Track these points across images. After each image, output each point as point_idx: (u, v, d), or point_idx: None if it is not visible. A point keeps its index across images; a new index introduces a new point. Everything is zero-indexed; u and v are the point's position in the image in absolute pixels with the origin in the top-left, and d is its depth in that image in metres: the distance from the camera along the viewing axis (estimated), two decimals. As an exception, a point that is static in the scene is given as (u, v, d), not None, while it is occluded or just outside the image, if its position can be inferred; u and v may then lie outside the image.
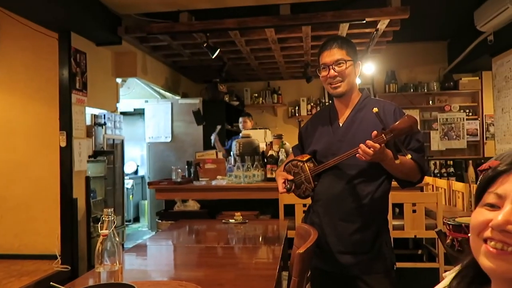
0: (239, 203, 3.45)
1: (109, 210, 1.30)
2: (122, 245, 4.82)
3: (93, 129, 4.22)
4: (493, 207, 0.67)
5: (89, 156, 4.17)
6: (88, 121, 4.20)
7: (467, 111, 6.34)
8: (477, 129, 6.27)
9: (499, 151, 4.83)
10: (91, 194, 4.12)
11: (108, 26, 4.10)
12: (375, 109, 1.41)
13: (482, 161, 5.78)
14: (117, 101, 4.84)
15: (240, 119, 5.08)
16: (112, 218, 1.29)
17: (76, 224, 3.86)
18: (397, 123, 1.39)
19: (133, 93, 5.92)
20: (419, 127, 6.21)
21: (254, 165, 3.59)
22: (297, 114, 6.77)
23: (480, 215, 0.69)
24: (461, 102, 6.40)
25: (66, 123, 3.78)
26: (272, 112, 6.98)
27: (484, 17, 4.49)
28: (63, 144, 3.75)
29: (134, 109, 6.29)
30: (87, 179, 4.03)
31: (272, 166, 3.62)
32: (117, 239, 1.30)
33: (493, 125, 5.38)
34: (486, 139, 6.22)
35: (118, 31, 4.19)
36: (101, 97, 4.45)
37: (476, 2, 4.54)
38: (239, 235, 2.45)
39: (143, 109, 5.83)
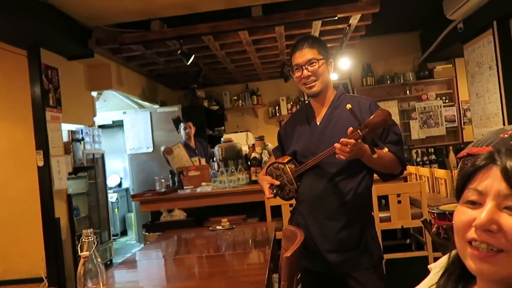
0: (226, 208, 3.43)
1: (89, 230, 1.26)
2: (111, 260, 4.73)
3: (71, 145, 4.13)
4: (475, 204, 0.66)
5: (69, 173, 4.08)
6: (65, 138, 4.11)
7: (444, 98, 6.46)
8: (454, 115, 6.39)
9: (477, 135, 4.93)
10: (74, 212, 4.03)
11: (79, 40, 4.02)
12: (348, 106, 1.41)
13: (462, 146, 5.90)
14: (94, 115, 4.76)
15: (183, 126, 4.73)
16: (92, 239, 1.25)
17: (61, 244, 3.77)
18: (371, 117, 1.40)
19: (110, 105, 5.83)
20: (398, 118, 6.28)
21: (238, 169, 3.57)
22: (277, 114, 6.78)
23: (463, 214, 0.67)
24: (437, 90, 6.51)
25: (42, 142, 3.68)
26: (253, 113, 6.98)
27: (452, 5, 4.58)
28: (41, 163, 3.65)
29: (113, 121, 6.19)
30: (69, 197, 3.94)
31: (256, 168, 3.60)
32: (99, 259, 1.26)
33: (470, 110, 5.49)
34: (464, 124, 6.35)
35: (89, 44, 4.12)
36: (77, 112, 4.36)
37: (444, -9, 4.63)
38: (227, 241, 2.42)
39: (122, 121, 5.74)
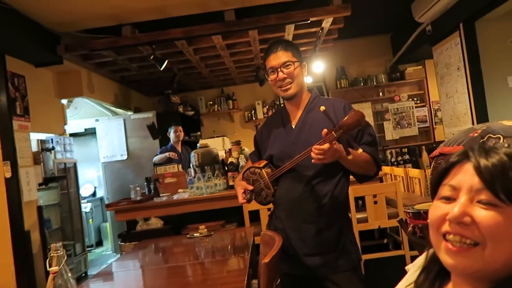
0: (204, 215, 3.38)
1: (57, 244, 1.20)
2: (86, 273, 4.59)
3: (41, 155, 3.99)
4: (449, 199, 0.67)
5: (40, 184, 3.94)
6: (35, 147, 3.96)
7: (415, 99, 6.61)
8: (426, 116, 6.55)
9: (448, 135, 5.07)
10: (46, 224, 3.89)
11: (47, 46, 3.90)
12: (322, 108, 1.41)
13: (434, 145, 6.05)
14: (65, 123, 4.61)
15: (173, 129, 4.79)
16: (62, 253, 1.19)
17: (31, 258, 3.62)
18: (345, 118, 1.40)
19: (82, 112, 5.68)
20: (372, 119, 6.38)
21: (215, 174, 3.53)
22: (254, 118, 6.78)
23: (437, 209, 0.69)
24: (409, 91, 6.67)
25: (9, 152, 3.54)
26: (229, 118, 6.95)
27: (420, 8, 4.70)
28: (8, 174, 3.50)
29: (85, 129, 6.02)
30: (39, 208, 3.79)
31: (233, 173, 3.57)
32: (70, 274, 1.20)
33: (440, 110, 5.64)
34: (435, 124, 6.52)
35: (57, 50, 4.00)
36: (46, 121, 4.22)
37: (412, -5, 4.74)
38: (205, 249, 2.38)
39: (95, 128, 5.60)
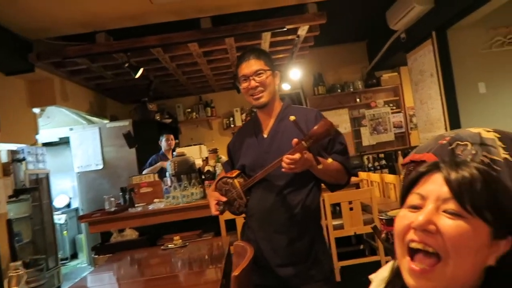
0: (181, 224, 3.34)
1: (17, 263, 1.16)
2: (59, 287, 4.44)
3: (11, 166, 3.85)
4: (416, 208, 0.67)
5: (10, 196, 3.80)
6: (5, 158, 3.83)
7: (391, 105, 6.73)
8: (401, 121, 6.67)
9: (423, 140, 5.16)
10: (16, 238, 3.75)
11: (18, 53, 3.80)
12: (292, 117, 1.41)
13: (409, 150, 6.14)
14: (36, 133, 4.48)
15: (165, 137, 4.87)
16: (22, 272, 1.14)
17: (0, 274, 3.48)
18: (314, 128, 1.40)
19: (56, 121, 5.53)
20: (349, 125, 6.43)
21: (192, 183, 3.49)
22: (232, 125, 6.75)
23: (404, 218, 0.68)
24: (385, 98, 6.78)
25: (-24, 164, 3.41)
26: (207, 125, 6.90)
27: (395, 16, 4.79)
28: (-25, 187, 3.37)
29: (59, 139, 5.87)
30: (9, 222, 3.66)
31: (210, 182, 3.54)
32: (29, 294, 1.15)
33: (415, 116, 5.75)
34: (410, 130, 6.64)
35: (29, 58, 3.89)
36: (17, 131, 4.09)
37: (387, 3, 4.84)
38: (181, 260, 2.34)
39: (69, 138, 5.46)
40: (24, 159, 4.05)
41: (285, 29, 3.93)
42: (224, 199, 1.68)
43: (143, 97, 5.60)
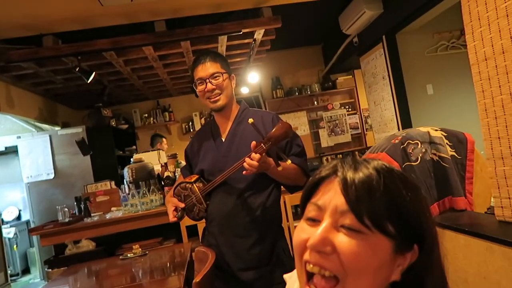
0: (141, 233, 3.25)
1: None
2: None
3: (-49, 179, 3.58)
4: (314, 221, 0.59)
5: (-50, 211, 3.53)
6: None
7: (347, 107, 6.93)
8: (357, 123, 6.88)
9: (378, 140, 5.36)
10: (-42, 255, 3.48)
11: (-45, 58, 3.54)
12: (251, 120, 1.41)
13: (365, 150, 6.36)
14: (-20, 142, 4.20)
15: (157, 141, 5.25)
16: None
17: None
18: (273, 130, 1.41)
19: (2, 129, 5.22)
20: (308, 128, 6.54)
21: (151, 190, 3.41)
22: (191, 130, 6.67)
23: (301, 232, 0.60)
24: (341, 100, 6.97)
25: None
26: (166, 130, 6.77)
27: (347, 21, 4.95)
28: None
29: (6, 148, 5.54)
30: (-50, 238, 3.39)
31: (170, 188, 3.47)
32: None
33: (370, 117, 5.95)
34: (366, 131, 6.87)
35: (-31, 62, 3.64)
36: (-43, 140, 3.80)
37: (339, 8, 4.98)
38: (142, 269, 2.27)
39: (17, 146, 5.16)
40: (-34, 170, 3.77)
41: (241, 32, 3.93)
42: (182, 205, 1.65)
43: (97, 102, 5.41)
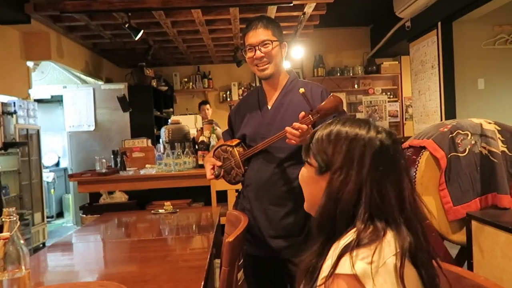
0: (171, 192, 3.33)
1: (11, 209, 1.13)
2: (44, 243, 4.45)
3: (1, 119, 3.78)
4: None
5: (-2, 149, 3.75)
6: (-5, 110, 3.76)
7: (389, 93, 6.73)
8: (397, 111, 6.69)
9: (417, 131, 5.20)
10: (3, 191, 3.72)
11: (13, 3, 3.66)
12: (302, 90, 1.39)
13: (403, 140, 6.19)
14: (29, 87, 4.38)
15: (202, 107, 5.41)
16: (15, 218, 1.12)
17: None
18: (323, 103, 1.39)
19: (49, 78, 5.41)
20: (346, 110, 6.48)
21: (185, 152, 3.46)
22: (228, 99, 6.70)
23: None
24: (383, 85, 6.77)
25: (-34, 112, 3.33)
26: (203, 97, 6.83)
27: (402, 3, 4.73)
28: (-36, 136, 3.31)
29: (52, 96, 5.76)
30: (-4, 174, 3.62)
31: (203, 152, 3.52)
32: (22, 241, 1.13)
33: (411, 106, 5.76)
34: (405, 120, 6.67)
35: (25, 9, 3.76)
36: (9, 82, 3.99)
37: (395, -11, 4.77)
38: (169, 225, 2.34)
39: (62, 96, 5.36)
40: (15, 112, 3.97)
41: (291, 4, 3.85)
42: (219, 163, 1.67)
43: (140, 61, 5.50)
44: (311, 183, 0.89)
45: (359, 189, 0.79)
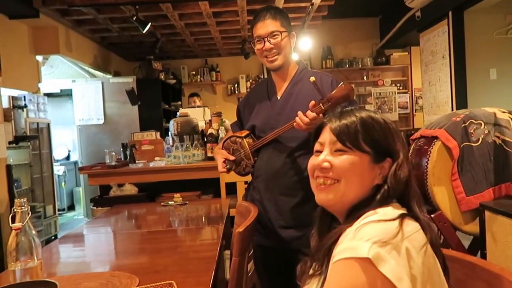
0: (180, 184, 3.34)
1: (22, 200, 1.14)
2: (56, 235, 4.51)
3: (12, 112, 3.81)
4: (319, 152, 0.93)
5: (10, 142, 3.78)
6: (6, 104, 3.78)
7: (398, 85, 6.65)
8: (407, 102, 6.62)
9: (427, 122, 5.13)
10: (15, 184, 3.76)
11: (23, -3, 3.68)
12: (312, 78, 1.37)
13: (412, 132, 6.13)
14: (39, 81, 4.42)
15: (189, 100, 5.53)
16: (26, 209, 1.13)
17: (-2, 217, 3.51)
18: (334, 91, 1.37)
19: (58, 72, 5.45)
20: (354, 101, 6.34)
21: (194, 145, 3.47)
22: (236, 92, 6.68)
23: (312, 160, 0.95)
24: (393, 77, 6.69)
25: (-22, 107, 3.37)
26: (211, 90, 6.83)
27: (412, -7, 4.65)
28: (-24, 130, 3.35)
29: (61, 90, 5.81)
30: (8, 167, 3.66)
31: (212, 144, 3.52)
32: (34, 232, 1.14)
33: (421, 98, 5.69)
34: (415, 111, 6.60)
35: (34, 3, 3.78)
36: (19, 77, 4.02)
37: (405, -21, 4.68)
38: (179, 217, 2.35)
39: (71, 90, 5.40)
40: (25, 106, 4.00)
41: (300, -5, 3.81)
42: (232, 157, 1.66)
43: (148, 55, 5.50)
44: (362, 171, 0.87)
45: (409, 174, 0.87)
